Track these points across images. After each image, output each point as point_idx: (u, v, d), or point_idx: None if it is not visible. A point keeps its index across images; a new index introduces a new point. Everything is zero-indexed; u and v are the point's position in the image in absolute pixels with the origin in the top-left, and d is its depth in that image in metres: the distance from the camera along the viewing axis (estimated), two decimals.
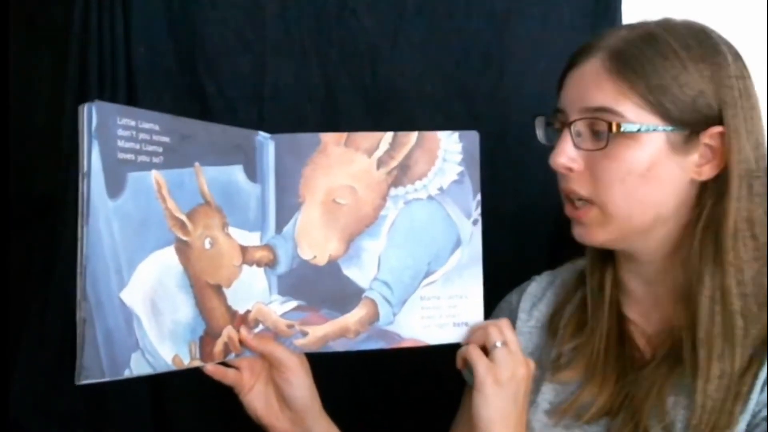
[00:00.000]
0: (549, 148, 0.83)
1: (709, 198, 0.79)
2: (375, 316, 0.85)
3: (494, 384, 0.78)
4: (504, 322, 0.83)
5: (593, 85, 0.79)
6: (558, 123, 0.83)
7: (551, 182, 1.13)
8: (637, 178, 0.78)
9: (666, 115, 0.77)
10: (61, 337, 1.09)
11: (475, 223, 0.87)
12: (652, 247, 0.83)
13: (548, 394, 0.87)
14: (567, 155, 0.80)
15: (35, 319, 1.10)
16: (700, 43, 0.79)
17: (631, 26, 0.84)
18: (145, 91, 1.12)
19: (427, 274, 0.86)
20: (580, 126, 0.80)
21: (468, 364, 0.81)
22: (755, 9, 1.22)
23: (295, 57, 1.16)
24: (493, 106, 1.20)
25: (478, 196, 0.87)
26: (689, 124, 0.78)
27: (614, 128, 0.77)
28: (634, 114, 0.77)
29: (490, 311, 0.92)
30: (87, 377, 0.67)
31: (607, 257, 0.88)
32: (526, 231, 1.18)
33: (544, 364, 0.89)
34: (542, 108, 1.14)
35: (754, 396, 0.76)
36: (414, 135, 0.86)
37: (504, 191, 1.14)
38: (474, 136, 0.87)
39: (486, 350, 0.81)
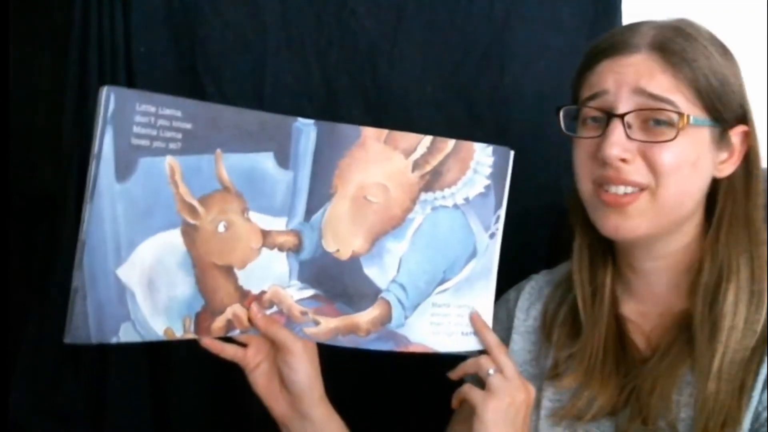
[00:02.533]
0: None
1: (729, 195, 0.82)
2: (387, 318, 0.85)
3: (494, 412, 0.78)
4: (501, 349, 0.83)
5: (646, 78, 0.79)
6: (598, 113, 0.81)
7: (551, 182, 1.13)
8: (689, 167, 0.79)
9: (712, 110, 0.79)
10: (61, 337, 1.09)
11: (492, 236, 0.87)
12: (675, 241, 0.83)
13: (548, 399, 0.87)
14: (622, 146, 0.78)
15: (35, 319, 1.10)
16: (713, 40, 0.81)
17: (654, 23, 0.83)
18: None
19: (441, 282, 0.86)
20: (630, 117, 0.79)
21: (465, 402, 0.82)
22: (755, 9, 1.22)
23: (295, 57, 1.16)
24: (493, 106, 1.20)
25: (500, 211, 0.87)
26: (725, 121, 0.80)
27: (685, 120, 0.77)
28: (685, 106, 0.78)
29: None
30: (74, 339, 0.72)
31: (606, 258, 0.88)
32: (526, 230, 1.17)
33: (542, 365, 0.89)
34: (542, 108, 1.14)
35: (756, 394, 0.76)
36: (451, 143, 0.85)
37: None
38: (506, 152, 0.87)
39: (483, 381, 0.81)
